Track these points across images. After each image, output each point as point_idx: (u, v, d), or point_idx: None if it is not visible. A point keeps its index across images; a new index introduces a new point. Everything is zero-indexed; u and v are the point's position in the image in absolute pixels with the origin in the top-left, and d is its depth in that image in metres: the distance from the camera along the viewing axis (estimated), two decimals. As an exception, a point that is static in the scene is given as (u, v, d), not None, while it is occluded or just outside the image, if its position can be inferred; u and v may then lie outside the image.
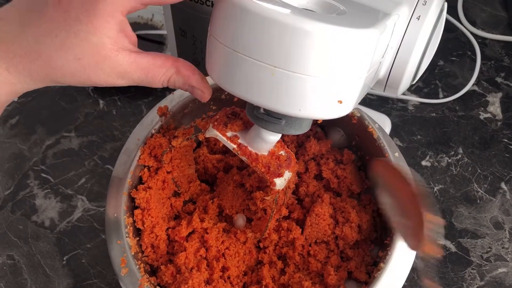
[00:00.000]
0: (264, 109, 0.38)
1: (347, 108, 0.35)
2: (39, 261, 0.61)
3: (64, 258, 0.61)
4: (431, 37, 0.39)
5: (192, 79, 0.38)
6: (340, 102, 0.34)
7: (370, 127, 0.48)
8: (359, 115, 0.49)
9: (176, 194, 0.52)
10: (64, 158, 0.70)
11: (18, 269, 0.60)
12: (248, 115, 0.39)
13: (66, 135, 0.72)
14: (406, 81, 0.42)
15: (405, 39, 0.38)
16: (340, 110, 0.35)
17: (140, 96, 0.76)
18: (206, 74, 0.37)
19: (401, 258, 0.43)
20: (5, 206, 0.65)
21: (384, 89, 0.45)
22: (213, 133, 0.43)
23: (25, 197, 0.66)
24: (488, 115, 0.74)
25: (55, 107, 0.76)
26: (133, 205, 0.47)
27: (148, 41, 0.81)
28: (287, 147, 0.46)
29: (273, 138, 0.41)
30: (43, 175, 0.68)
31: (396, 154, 0.47)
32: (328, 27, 0.30)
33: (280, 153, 0.43)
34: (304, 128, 0.39)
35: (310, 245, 0.48)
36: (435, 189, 0.67)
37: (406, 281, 0.59)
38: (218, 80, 0.36)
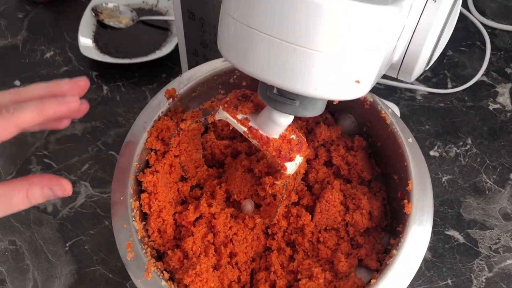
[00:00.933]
0: (278, 89, 0.36)
1: (364, 89, 0.34)
2: (42, 247, 0.60)
3: (67, 244, 0.60)
4: (447, 21, 0.38)
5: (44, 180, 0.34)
6: (358, 82, 0.33)
7: (383, 112, 0.47)
8: (372, 100, 0.48)
9: (183, 179, 0.51)
10: (67, 144, 0.69)
11: (20, 255, 0.60)
12: (260, 96, 0.38)
13: (69, 120, 0.71)
14: (420, 66, 0.41)
15: (421, 21, 0.37)
16: (357, 90, 0.34)
17: (145, 82, 0.75)
18: (215, 56, 0.36)
19: (414, 245, 0.42)
20: (7, 191, 0.64)
21: (398, 73, 0.44)
22: (223, 115, 0.42)
23: (27, 183, 0.65)
24: (497, 105, 0.74)
25: (58, 92, 0.74)
26: (139, 189, 0.46)
27: (152, 27, 0.80)
28: (297, 132, 0.45)
29: (285, 120, 0.40)
30: (46, 160, 0.67)
31: (410, 139, 0.46)
32: (348, 3, 0.29)
33: (291, 137, 0.42)
34: (318, 110, 0.38)
35: (319, 232, 0.47)
36: (443, 179, 0.66)
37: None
38: (231, 59, 0.35)
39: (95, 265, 0.59)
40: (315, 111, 0.38)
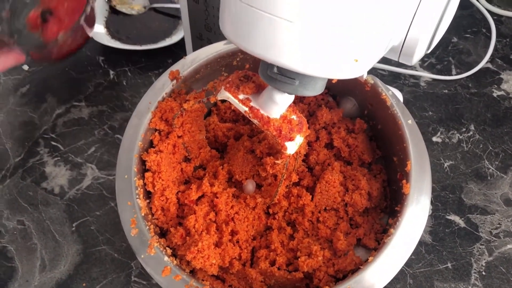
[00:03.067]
0: (278, 69, 0.37)
1: (362, 68, 0.35)
2: (49, 226, 0.62)
3: (73, 225, 0.62)
4: (448, 5, 0.39)
5: None
6: (356, 60, 0.33)
7: (384, 94, 0.48)
8: (372, 82, 0.49)
9: (186, 159, 0.52)
10: (74, 127, 0.70)
11: (28, 234, 0.61)
12: (261, 76, 0.39)
13: (76, 104, 0.72)
14: (421, 49, 0.41)
15: (421, 4, 0.37)
16: (356, 69, 0.34)
17: (151, 67, 0.76)
18: (219, 40, 0.37)
19: (412, 224, 0.42)
20: (15, 172, 0.66)
21: (399, 56, 0.44)
22: (225, 95, 0.42)
23: (35, 164, 0.66)
24: (502, 92, 0.73)
25: (65, 76, 0.75)
26: (143, 168, 0.47)
27: (164, 14, 0.80)
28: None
29: (286, 100, 0.40)
30: (53, 143, 0.69)
31: (409, 121, 0.46)
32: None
33: (292, 117, 0.43)
34: (318, 89, 0.39)
35: (319, 212, 0.48)
36: (445, 165, 0.67)
37: (414, 254, 0.59)
38: (232, 37, 0.35)
39: (101, 245, 0.60)
40: (315, 90, 0.38)
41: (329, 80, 0.40)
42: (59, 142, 0.69)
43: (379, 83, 0.48)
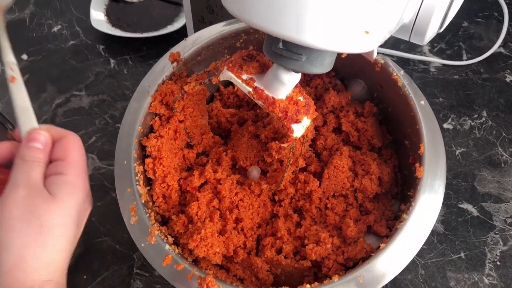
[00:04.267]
0: (284, 43, 0.35)
1: (373, 41, 0.33)
2: (49, 218, 0.60)
3: (74, 216, 0.60)
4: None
5: None
6: (367, 32, 0.31)
7: (395, 74, 0.45)
8: (382, 61, 0.46)
9: (189, 146, 0.50)
10: (75, 117, 0.69)
11: (27, 226, 0.59)
12: (266, 53, 0.36)
13: (76, 93, 0.71)
14: (433, 27, 0.39)
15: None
16: (366, 42, 0.32)
17: (152, 55, 0.74)
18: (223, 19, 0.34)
19: (426, 210, 0.40)
20: (14, 163, 0.64)
21: (410, 35, 0.42)
22: (227, 75, 0.40)
23: (35, 155, 0.65)
24: (515, 77, 0.71)
25: (65, 65, 0.74)
26: (143, 154, 0.45)
27: (165, 1, 0.78)
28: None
29: (292, 79, 0.38)
30: (53, 133, 0.67)
31: (422, 102, 0.44)
32: None
33: (298, 98, 0.41)
34: (326, 66, 0.36)
35: (327, 198, 0.46)
36: (457, 152, 0.64)
37: (425, 243, 0.57)
38: (235, 11, 0.33)
39: (102, 236, 0.59)
40: (323, 67, 0.36)
41: (337, 60, 0.38)
42: (58, 131, 0.67)
43: (390, 62, 0.46)
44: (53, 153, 0.36)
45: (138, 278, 0.56)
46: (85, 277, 0.56)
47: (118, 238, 0.58)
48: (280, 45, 0.35)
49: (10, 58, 0.38)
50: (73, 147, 0.36)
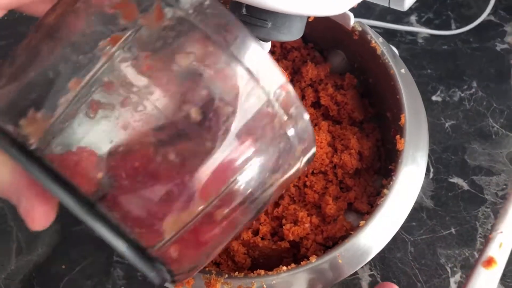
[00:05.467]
0: (247, 10, 0.32)
1: (341, 2, 0.30)
2: (24, 207, 0.58)
3: (50, 204, 0.58)
4: None
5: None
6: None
7: (373, 42, 0.43)
8: (360, 29, 0.44)
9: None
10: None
11: (2, 216, 0.57)
12: (230, 21, 0.34)
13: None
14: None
15: None
16: (333, 3, 0.29)
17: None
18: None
19: (407, 184, 0.38)
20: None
21: (389, 1, 0.40)
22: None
23: (9, 143, 0.63)
24: (505, 46, 0.68)
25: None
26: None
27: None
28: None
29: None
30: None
31: (402, 70, 0.42)
32: None
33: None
34: (295, 33, 0.34)
35: (306, 176, 0.44)
36: (446, 125, 0.62)
37: (414, 220, 0.55)
38: None
39: (80, 224, 0.57)
40: (291, 34, 0.34)
41: (315, 31, 0.35)
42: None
43: (368, 30, 0.43)
44: None
45: (118, 266, 0.54)
46: (63, 266, 0.55)
47: (96, 226, 0.56)
48: (244, 10, 0.32)
49: None
50: None
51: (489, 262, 0.31)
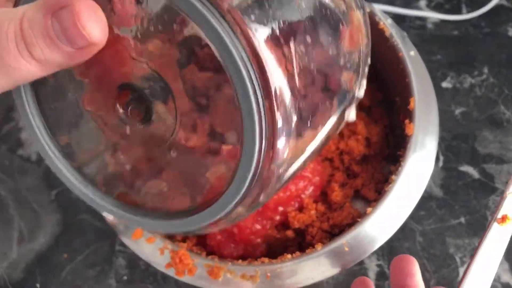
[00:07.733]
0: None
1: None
2: (26, 196, 0.57)
3: (52, 193, 0.57)
4: None
5: None
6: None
7: (382, 23, 0.41)
8: (368, 10, 0.42)
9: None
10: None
11: (4, 205, 0.57)
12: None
13: (52, 66, 0.67)
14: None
15: None
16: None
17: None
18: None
19: (417, 170, 0.37)
20: (-11, 141, 0.61)
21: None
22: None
23: (10, 131, 0.62)
24: (518, 31, 0.66)
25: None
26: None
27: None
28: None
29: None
30: (29, 108, 0.64)
31: (412, 53, 0.40)
32: None
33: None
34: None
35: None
36: (457, 112, 0.60)
37: (423, 209, 0.53)
38: None
39: (82, 214, 0.56)
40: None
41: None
42: (35, 106, 0.64)
43: (377, 11, 0.42)
44: None
45: (120, 255, 0.54)
46: (66, 255, 0.54)
47: (98, 215, 0.55)
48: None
49: None
50: None
51: (503, 219, 0.37)
